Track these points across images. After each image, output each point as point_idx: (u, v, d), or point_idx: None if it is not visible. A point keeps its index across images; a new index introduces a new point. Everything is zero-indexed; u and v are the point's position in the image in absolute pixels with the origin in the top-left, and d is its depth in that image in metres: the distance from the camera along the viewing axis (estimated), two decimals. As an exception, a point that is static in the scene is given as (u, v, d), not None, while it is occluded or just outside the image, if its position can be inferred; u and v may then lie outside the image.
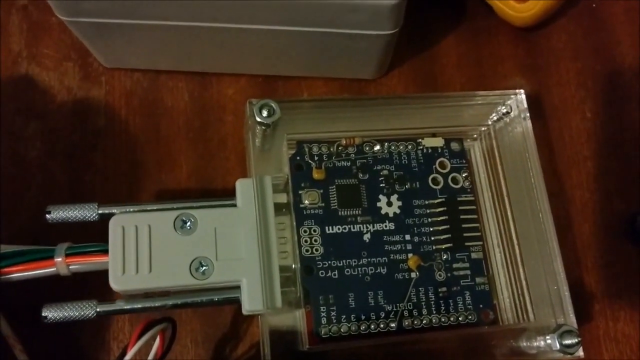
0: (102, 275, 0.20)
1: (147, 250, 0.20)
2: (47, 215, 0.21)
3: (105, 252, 0.20)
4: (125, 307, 0.20)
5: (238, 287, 0.21)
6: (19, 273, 0.21)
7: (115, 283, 0.20)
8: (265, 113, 0.22)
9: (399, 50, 0.27)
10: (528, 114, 0.25)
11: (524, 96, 0.25)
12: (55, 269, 0.21)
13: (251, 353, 0.24)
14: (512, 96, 0.25)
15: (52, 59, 0.28)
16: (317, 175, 0.23)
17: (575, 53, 0.29)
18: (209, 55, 0.27)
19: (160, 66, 0.28)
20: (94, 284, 0.22)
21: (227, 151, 0.27)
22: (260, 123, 0.22)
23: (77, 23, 0.24)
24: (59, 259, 0.21)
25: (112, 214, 0.21)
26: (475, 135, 0.26)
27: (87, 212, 0.21)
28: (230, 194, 0.25)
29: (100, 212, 0.21)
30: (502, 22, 0.29)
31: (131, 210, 0.21)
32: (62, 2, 0.23)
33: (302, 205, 0.23)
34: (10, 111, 0.27)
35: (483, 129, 0.25)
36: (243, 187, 0.22)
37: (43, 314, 0.20)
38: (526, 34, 0.29)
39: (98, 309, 0.20)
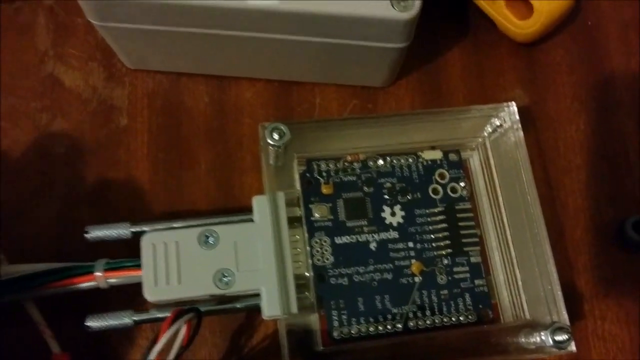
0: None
1: (175, 264, 0.22)
2: (86, 235, 0.23)
3: (138, 267, 0.22)
4: (159, 316, 0.22)
5: (258, 295, 0.23)
6: (63, 287, 0.23)
7: (149, 294, 0.22)
8: (276, 136, 0.24)
9: (407, 61, 0.28)
10: (520, 125, 0.26)
11: (515, 108, 0.26)
12: (95, 282, 0.23)
13: (265, 343, 0.26)
14: (505, 108, 0.27)
15: (77, 59, 0.29)
16: (325, 190, 0.25)
17: (571, 68, 0.31)
18: (228, 61, 0.28)
19: (181, 69, 0.29)
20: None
21: (243, 151, 0.29)
22: (272, 145, 0.24)
23: (106, 27, 0.26)
24: (99, 274, 0.23)
25: (143, 232, 0.23)
26: (472, 146, 0.27)
27: (121, 231, 0.23)
28: (245, 193, 0.27)
29: (132, 230, 0.23)
30: (503, 37, 0.30)
31: (160, 227, 0.23)
32: (95, 8, 0.25)
33: (312, 218, 0.25)
34: (38, 108, 0.29)
35: (479, 140, 0.27)
36: (259, 204, 0.23)
37: (86, 324, 0.22)
38: (526, 48, 0.31)
39: (135, 318, 0.22)
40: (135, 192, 0.28)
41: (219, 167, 0.28)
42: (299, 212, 0.25)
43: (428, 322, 0.24)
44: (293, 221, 0.24)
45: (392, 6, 0.23)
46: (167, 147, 0.29)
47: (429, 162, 0.26)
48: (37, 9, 0.30)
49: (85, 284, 0.23)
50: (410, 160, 0.26)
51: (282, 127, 0.24)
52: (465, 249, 0.25)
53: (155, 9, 0.24)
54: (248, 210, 0.24)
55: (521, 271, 0.25)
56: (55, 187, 0.27)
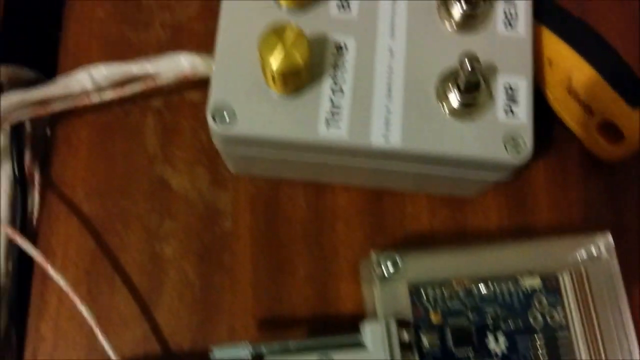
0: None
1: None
2: (210, 355, 0.25)
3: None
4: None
5: None
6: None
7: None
8: (390, 265, 0.25)
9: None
10: (615, 254, 0.28)
11: (611, 239, 0.28)
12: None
13: None
14: (600, 238, 0.28)
15: (184, 162, 0.31)
16: (434, 317, 0.27)
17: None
18: (330, 174, 0.30)
19: (282, 177, 0.31)
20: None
21: (338, 258, 0.30)
22: (383, 274, 0.25)
23: (232, 156, 0.28)
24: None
25: (262, 354, 0.24)
26: (567, 272, 0.28)
27: (241, 352, 0.24)
28: (341, 300, 0.28)
29: (252, 351, 0.25)
30: (588, 152, 0.32)
31: (277, 348, 0.25)
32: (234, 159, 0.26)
33: (422, 346, 0.26)
34: (147, 210, 0.30)
35: (574, 266, 0.28)
36: (372, 331, 0.25)
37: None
38: (612, 169, 0.32)
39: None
40: (238, 296, 0.29)
41: (316, 273, 0.30)
42: (409, 338, 0.26)
43: None
44: (404, 347, 0.26)
45: (506, 149, 0.25)
46: (268, 251, 0.30)
47: (528, 289, 0.28)
48: (146, 111, 0.31)
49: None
50: (511, 286, 0.28)
51: (397, 258, 0.25)
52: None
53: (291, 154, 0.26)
54: (346, 318, 0.25)
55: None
56: (164, 288, 0.29)
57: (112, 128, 0.31)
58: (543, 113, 0.32)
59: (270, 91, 0.24)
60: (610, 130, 0.30)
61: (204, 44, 0.32)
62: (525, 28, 0.26)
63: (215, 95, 0.24)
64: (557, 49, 0.29)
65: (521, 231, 0.31)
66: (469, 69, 0.23)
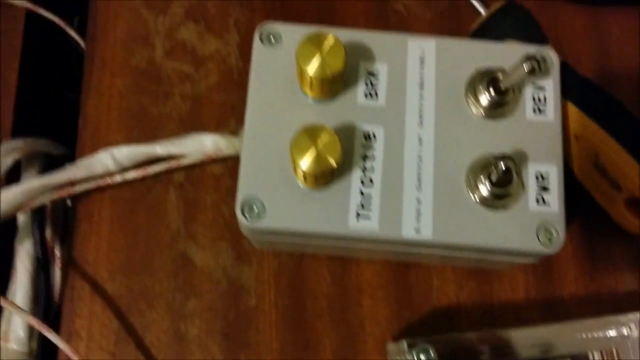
0: None
1: None
2: None
3: None
4: None
5: None
6: None
7: None
8: (423, 357, 0.25)
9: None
10: (645, 335, 0.28)
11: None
12: None
13: None
14: (630, 318, 0.28)
15: (207, 238, 0.31)
16: None
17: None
18: (356, 253, 0.29)
19: (305, 251, 0.31)
20: None
21: (365, 334, 0.30)
22: None
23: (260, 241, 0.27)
24: None
25: None
26: (597, 351, 0.28)
27: None
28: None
29: None
30: (614, 224, 0.31)
31: None
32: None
33: None
34: (171, 288, 0.30)
35: (605, 345, 0.28)
36: None
37: None
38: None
39: None
40: (265, 375, 0.29)
41: (343, 350, 0.30)
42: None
43: None
44: None
45: (538, 239, 0.24)
46: (293, 328, 0.30)
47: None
48: (167, 186, 0.31)
49: None
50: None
51: (431, 351, 0.25)
52: None
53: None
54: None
55: None
56: (190, 371, 0.29)
57: (134, 204, 0.31)
58: (569, 184, 0.31)
59: (299, 184, 0.24)
60: (639, 204, 0.30)
61: (224, 115, 0.32)
62: (554, 113, 0.26)
63: (243, 190, 0.24)
64: (583, 124, 0.29)
65: (549, 304, 0.31)
66: (503, 169, 0.22)
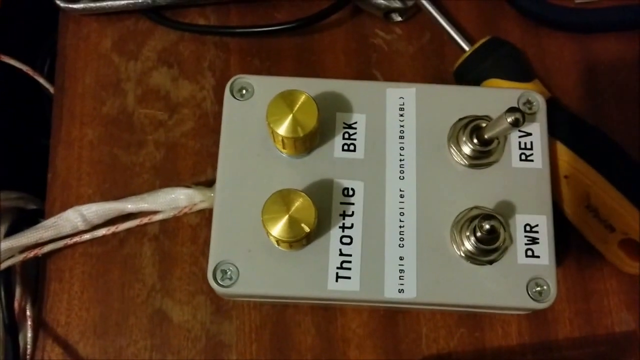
0: None
1: None
2: None
3: None
4: None
5: None
6: None
7: None
8: None
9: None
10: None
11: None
12: None
13: None
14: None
15: (184, 292, 0.29)
16: None
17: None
18: (339, 306, 0.28)
19: (288, 303, 0.29)
20: None
21: (353, 388, 0.29)
22: None
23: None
24: None
25: None
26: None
27: None
28: None
29: None
30: (608, 262, 0.30)
31: None
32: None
33: None
34: (147, 347, 0.29)
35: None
36: None
37: None
38: (633, 277, 0.31)
39: None
40: None
41: (331, 407, 0.28)
42: None
43: None
44: None
45: (528, 294, 0.23)
46: (277, 386, 0.28)
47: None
48: (142, 239, 0.30)
49: None
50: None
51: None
52: None
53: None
54: None
55: None
56: None
57: (106, 259, 0.29)
58: (559, 222, 0.30)
59: (274, 247, 0.23)
60: (633, 244, 0.28)
61: (200, 162, 0.31)
62: (541, 159, 0.24)
63: (215, 256, 0.23)
64: (573, 164, 0.27)
65: (544, 347, 0.30)
66: (487, 228, 0.21)
